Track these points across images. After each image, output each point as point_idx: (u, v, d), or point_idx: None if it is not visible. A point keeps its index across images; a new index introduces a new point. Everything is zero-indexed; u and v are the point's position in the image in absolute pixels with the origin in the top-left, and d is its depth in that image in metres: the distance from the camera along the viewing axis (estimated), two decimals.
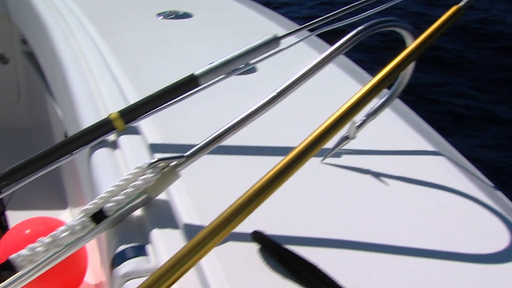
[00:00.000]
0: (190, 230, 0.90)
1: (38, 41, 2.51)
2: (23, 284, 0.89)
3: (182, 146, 1.19)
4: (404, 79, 1.18)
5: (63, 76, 1.58)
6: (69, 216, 2.65)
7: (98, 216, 0.88)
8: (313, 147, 0.80)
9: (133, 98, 1.31)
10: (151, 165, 0.91)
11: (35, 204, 2.65)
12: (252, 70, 1.54)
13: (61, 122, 2.41)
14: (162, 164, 0.91)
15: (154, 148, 1.12)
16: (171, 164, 0.92)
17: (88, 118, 1.26)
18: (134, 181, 0.90)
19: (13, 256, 0.87)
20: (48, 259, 0.88)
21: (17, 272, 0.87)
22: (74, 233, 0.87)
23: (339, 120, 0.84)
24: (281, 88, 1.04)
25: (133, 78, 1.46)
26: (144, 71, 1.52)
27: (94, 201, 0.89)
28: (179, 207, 0.95)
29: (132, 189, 0.89)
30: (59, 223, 2.17)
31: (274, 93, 1.04)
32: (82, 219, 0.88)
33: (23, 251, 0.87)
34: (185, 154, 0.94)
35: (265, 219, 0.90)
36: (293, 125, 1.28)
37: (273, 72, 1.49)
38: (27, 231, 2.10)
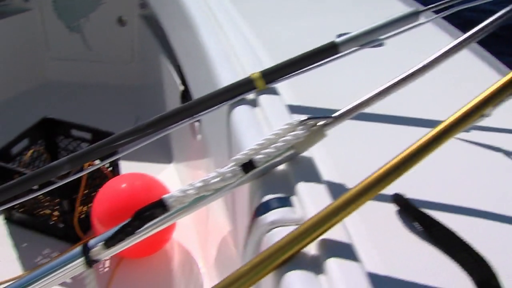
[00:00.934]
0: (332, 187, 0.93)
1: (162, 4, 2.60)
2: (171, 222, 0.96)
3: (317, 109, 1.23)
4: None
5: (194, 38, 1.64)
6: (173, 170, 2.77)
7: (247, 166, 0.93)
8: (462, 122, 0.82)
9: (268, 62, 1.36)
10: (302, 122, 0.95)
11: (143, 156, 2.79)
12: (381, 44, 1.55)
13: (176, 82, 2.50)
14: (311, 122, 0.95)
15: (292, 109, 1.16)
16: (319, 123, 0.96)
17: (225, 78, 1.31)
18: (284, 136, 0.94)
19: (166, 196, 0.93)
20: (197, 202, 0.94)
21: (168, 211, 0.93)
22: (225, 179, 0.92)
23: (490, 98, 0.84)
24: (420, 66, 1.05)
25: (266, 43, 1.50)
26: (277, 37, 1.56)
27: (245, 151, 0.94)
28: (321, 165, 0.99)
29: (282, 144, 0.93)
30: (155, 181, 2.27)
31: (414, 69, 1.05)
32: (233, 168, 0.92)
33: (175, 192, 0.93)
34: (333, 115, 0.97)
35: (405, 183, 0.93)
36: (430, 102, 1.29)
37: (398, 49, 1.49)
38: (123, 185, 2.22)
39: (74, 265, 0.98)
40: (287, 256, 0.79)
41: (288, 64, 1.21)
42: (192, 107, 1.23)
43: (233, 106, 1.19)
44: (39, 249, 2.40)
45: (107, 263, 2.32)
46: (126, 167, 2.66)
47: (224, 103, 1.21)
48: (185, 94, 2.43)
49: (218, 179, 0.91)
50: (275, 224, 0.88)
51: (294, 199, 0.92)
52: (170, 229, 2.26)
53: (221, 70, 1.37)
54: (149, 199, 2.12)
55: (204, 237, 2.19)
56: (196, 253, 2.30)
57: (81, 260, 0.98)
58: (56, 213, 2.40)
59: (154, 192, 2.21)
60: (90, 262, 0.97)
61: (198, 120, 2.20)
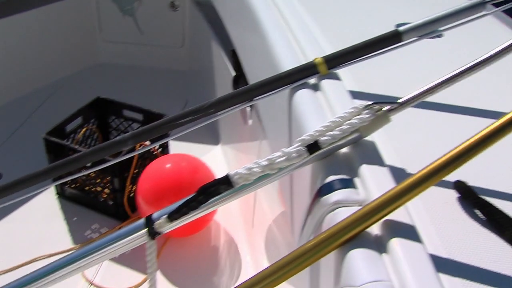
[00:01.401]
0: (394, 172, 0.94)
1: None
2: (235, 199, 0.98)
3: (378, 96, 1.24)
4: None
5: (254, 24, 1.66)
6: (219, 153, 2.81)
7: (312, 147, 0.94)
8: None
9: (328, 48, 1.37)
10: (367, 107, 0.96)
11: (191, 137, 2.83)
12: (440, 35, 1.54)
13: (228, 67, 2.52)
14: (377, 107, 0.96)
15: (354, 94, 1.17)
16: (384, 108, 0.97)
17: (286, 63, 1.33)
18: (350, 120, 0.95)
19: (231, 172, 0.95)
20: (261, 180, 0.96)
21: (233, 187, 0.95)
22: (290, 159, 0.93)
23: None
24: (484, 57, 1.04)
25: (326, 29, 1.52)
26: (337, 24, 1.57)
27: (310, 133, 0.95)
28: (384, 150, 1.00)
29: (348, 127, 0.94)
30: (200, 162, 2.30)
31: (479, 60, 1.05)
32: (298, 148, 0.94)
33: (241, 170, 0.95)
34: (399, 101, 0.98)
35: (467, 170, 0.93)
36: (494, 93, 1.29)
37: (457, 40, 1.49)
38: (168, 165, 2.25)
39: (137, 236, 1.01)
40: (351, 235, 0.81)
41: (351, 50, 1.22)
42: (250, 90, 1.24)
43: (295, 90, 1.21)
44: (88, 224, 2.47)
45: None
46: (174, 146, 2.71)
47: (286, 86, 1.22)
48: (237, 80, 2.45)
49: (283, 158, 0.93)
50: (339, 204, 0.89)
51: (357, 181, 0.93)
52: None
53: (282, 54, 1.38)
54: (193, 180, 2.18)
55: (249, 217, 2.22)
56: (240, 232, 2.33)
57: (144, 231, 1.01)
58: (106, 190, 2.47)
59: (199, 174, 2.25)
60: (153, 234, 1.00)
61: (250, 106, 2.24)
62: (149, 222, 1.01)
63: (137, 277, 2.20)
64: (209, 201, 0.97)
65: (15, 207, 2.55)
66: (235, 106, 1.22)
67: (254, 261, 2.17)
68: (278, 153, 0.94)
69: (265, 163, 0.94)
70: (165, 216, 0.99)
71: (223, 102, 1.23)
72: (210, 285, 2.14)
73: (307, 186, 1.04)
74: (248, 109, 2.27)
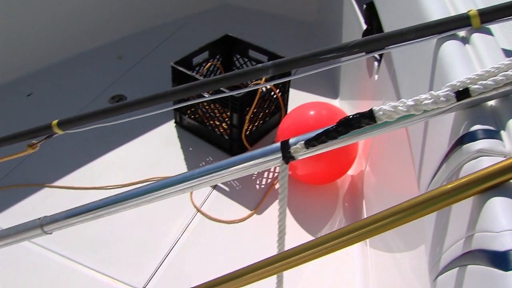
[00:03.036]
0: None
1: None
2: (374, 135, 0.99)
3: None
4: None
5: None
6: (337, 106, 2.81)
7: (461, 94, 0.93)
8: None
9: (480, 3, 1.32)
10: None
11: (310, 88, 2.86)
12: None
13: (359, 20, 2.50)
14: None
15: (506, 53, 1.14)
16: None
17: (434, 13, 1.30)
18: (506, 71, 0.93)
19: (375, 108, 0.96)
20: (404, 119, 0.96)
21: (375, 122, 0.96)
22: (437, 102, 0.93)
23: None
24: None
25: None
26: None
27: (462, 79, 0.94)
28: None
29: (502, 78, 0.92)
30: (342, 112, 2.31)
31: None
32: (447, 92, 0.93)
33: (385, 106, 0.95)
34: None
35: None
36: None
37: None
38: (311, 112, 2.28)
39: (272, 159, 1.05)
40: (493, 184, 0.80)
41: (508, 6, 1.18)
42: (389, 37, 1.23)
43: (442, 40, 1.19)
44: (202, 155, 2.57)
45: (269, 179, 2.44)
46: (293, 95, 2.74)
47: (433, 36, 1.20)
48: (368, 34, 2.43)
49: (430, 101, 0.92)
50: (482, 153, 0.88)
51: (503, 133, 0.92)
52: (349, 163, 2.34)
53: (431, 4, 1.35)
54: None
55: (375, 170, 2.22)
56: (365, 188, 2.34)
57: (278, 155, 1.04)
58: (224, 125, 2.54)
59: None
60: (288, 158, 1.04)
61: (379, 61, 2.22)
62: (285, 146, 1.04)
63: (241, 213, 2.28)
64: (349, 133, 0.99)
65: (136, 129, 2.69)
66: (381, 50, 1.22)
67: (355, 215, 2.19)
68: (426, 95, 0.94)
69: (411, 103, 0.94)
70: (302, 142, 1.02)
71: (369, 43, 1.23)
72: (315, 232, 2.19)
73: (446, 133, 1.03)
74: (376, 63, 2.25)
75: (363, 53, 1.29)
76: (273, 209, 2.30)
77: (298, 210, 2.28)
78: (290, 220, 2.22)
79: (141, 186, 1.12)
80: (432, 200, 0.82)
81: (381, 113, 0.95)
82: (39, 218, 1.22)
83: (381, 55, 2.17)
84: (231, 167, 1.08)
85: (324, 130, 1.01)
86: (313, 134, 1.02)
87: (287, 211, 2.19)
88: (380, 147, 2.04)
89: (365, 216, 2.09)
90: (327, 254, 0.85)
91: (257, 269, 0.89)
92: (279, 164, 1.06)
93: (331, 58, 1.24)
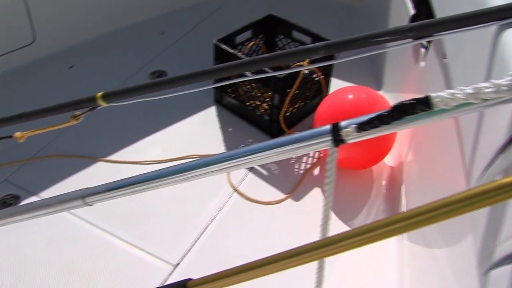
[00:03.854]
0: None
1: None
2: (429, 122, 0.96)
3: None
4: None
5: None
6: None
7: None
8: None
9: None
10: None
11: (353, 77, 2.81)
12: None
13: (407, 5, 2.44)
14: None
15: None
16: None
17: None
18: None
19: (433, 95, 0.93)
20: (462, 107, 0.93)
21: (431, 109, 0.93)
22: (498, 92, 0.89)
23: None
24: None
25: None
26: None
27: None
28: None
29: None
30: (381, 97, 2.27)
31: None
32: (509, 82, 0.90)
33: (443, 93, 0.92)
34: None
35: None
36: None
37: None
38: (350, 95, 2.25)
39: (321, 141, 1.03)
40: None
41: None
42: (442, 23, 1.18)
43: (505, 27, 1.14)
44: (241, 135, 2.56)
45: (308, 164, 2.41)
46: (335, 82, 2.70)
47: (494, 22, 1.16)
48: (415, 20, 2.37)
49: (491, 89, 0.89)
50: None
51: None
52: (387, 150, 2.31)
53: None
54: (372, 112, 2.17)
55: (417, 159, 2.18)
56: (404, 177, 2.31)
57: (328, 138, 1.02)
58: (264, 105, 2.52)
59: (379, 108, 2.23)
60: (338, 141, 1.01)
61: (426, 47, 2.17)
62: (336, 129, 1.01)
63: (277, 195, 2.27)
64: (404, 118, 0.96)
65: (175, 106, 2.69)
66: (437, 35, 1.18)
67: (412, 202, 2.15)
68: (486, 84, 0.90)
69: (470, 91, 0.90)
70: (354, 126, 1.00)
71: (425, 28, 1.19)
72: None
73: (503, 124, 1.00)
74: (423, 50, 2.20)
75: (411, 40, 1.25)
76: (309, 193, 2.28)
77: (317, 191, 2.27)
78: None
79: (184, 163, 1.11)
80: (489, 193, 0.78)
81: (438, 99, 0.92)
82: (81, 189, 1.22)
83: (429, 42, 2.12)
84: (278, 147, 1.07)
85: (377, 115, 0.98)
86: (365, 118, 0.99)
87: (320, 194, 2.20)
88: (424, 135, 2.00)
89: (404, 204, 2.08)
90: (373, 243, 0.83)
91: (300, 253, 0.87)
92: (328, 147, 1.03)
93: (384, 41, 1.20)
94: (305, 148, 1.05)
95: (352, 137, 1.00)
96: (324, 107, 2.32)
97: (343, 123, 1.01)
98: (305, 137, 1.05)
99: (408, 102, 0.95)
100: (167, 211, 2.18)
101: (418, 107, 0.94)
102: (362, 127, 0.99)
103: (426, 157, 1.92)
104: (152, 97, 1.47)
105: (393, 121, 0.97)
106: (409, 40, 1.23)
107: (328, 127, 1.02)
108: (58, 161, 2.39)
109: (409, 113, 0.95)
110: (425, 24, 1.20)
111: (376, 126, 0.98)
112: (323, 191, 2.25)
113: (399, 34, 1.20)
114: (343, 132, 1.00)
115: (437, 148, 1.77)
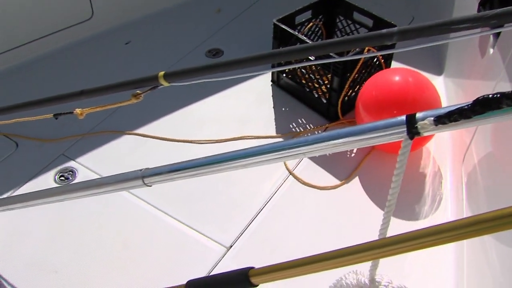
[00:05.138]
0: None
1: None
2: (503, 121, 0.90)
3: None
4: None
5: None
6: (441, 83, 2.68)
7: None
8: None
9: None
10: None
11: (414, 63, 2.72)
12: None
13: None
14: None
15: None
16: None
17: None
18: None
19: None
20: None
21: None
22: None
23: None
24: None
25: None
26: None
27: None
28: None
29: None
30: (427, 81, 2.19)
31: None
32: None
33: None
34: None
35: None
36: None
37: None
38: (396, 77, 2.18)
39: (395, 132, 0.98)
40: None
41: None
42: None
43: None
44: (296, 116, 2.52)
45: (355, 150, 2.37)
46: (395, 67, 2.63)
47: None
48: (485, 4, 2.27)
49: None
50: None
51: None
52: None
53: None
54: (418, 97, 2.10)
55: (461, 152, 2.12)
56: (447, 167, 2.25)
57: (402, 129, 0.98)
58: (323, 88, 2.47)
59: (425, 92, 2.16)
60: (413, 133, 0.97)
61: (498, 33, 2.07)
62: (412, 120, 0.97)
63: (332, 181, 2.23)
64: (486, 113, 0.90)
65: (232, 85, 2.66)
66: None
67: (455, 200, 2.08)
68: None
69: None
70: (431, 118, 0.95)
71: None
72: (410, 211, 2.10)
73: None
74: (492, 39, 2.10)
75: (489, 28, 1.18)
76: (365, 181, 2.22)
77: (373, 179, 2.24)
78: (378, 191, 2.15)
79: (244, 149, 1.09)
80: None
81: None
82: (141, 170, 1.21)
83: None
84: (349, 137, 1.03)
85: (457, 108, 0.93)
86: (443, 111, 0.94)
87: (375, 182, 2.14)
88: (488, 135, 1.91)
89: (465, 196, 2.01)
90: (436, 246, 0.78)
91: (361, 251, 0.83)
92: (402, 139, 0.99)
93: (463, 28, 1.13)
94: (378, 139, 1.01)
95: (429, 130, 0.96)
96: (368, 88, 2.24)
97: (419, 115, 0.96)
98: (378, 126, 1.01)
99: (493, 96, 0.89)
100: (221, 192, 2.17)
101: (505, 101, 0.88)
102: (440, 120, 0.94)
103: (495, 153, 1.84)
104: (214, 78, 1.45)
105: (475, 115, 0.91)
106: (475, 30, 1.16)
107: (402, 118, 0.98)
108: (112, 138, 2.41)
109: (493, 107, 0.90)
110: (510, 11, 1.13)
111: (455, 120, 0.93)
112: (381, 180, 2.20)
113: (481, 21, 1.13)
114: (419, 125, 0.96)
115: (505, 148, 1.70)
